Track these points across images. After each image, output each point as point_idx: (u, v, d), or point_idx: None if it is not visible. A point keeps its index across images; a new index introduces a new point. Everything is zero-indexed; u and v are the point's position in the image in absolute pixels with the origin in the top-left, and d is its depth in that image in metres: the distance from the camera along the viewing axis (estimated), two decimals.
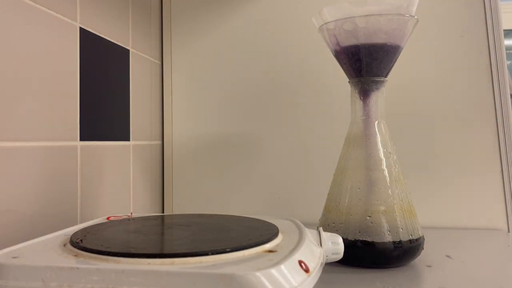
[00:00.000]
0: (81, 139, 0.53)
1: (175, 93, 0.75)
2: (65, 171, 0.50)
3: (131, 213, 0.62)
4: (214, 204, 0.72)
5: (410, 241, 0.44)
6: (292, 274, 0.28)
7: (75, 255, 0.32)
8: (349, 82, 0.48)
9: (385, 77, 0.47)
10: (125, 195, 0.63)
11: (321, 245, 0.37)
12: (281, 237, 0.37)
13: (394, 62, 0.47)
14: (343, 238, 0.40)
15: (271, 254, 0.32)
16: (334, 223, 0.46)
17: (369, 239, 0.43)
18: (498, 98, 0.64)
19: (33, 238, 0.44)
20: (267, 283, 0.27)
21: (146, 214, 0.48)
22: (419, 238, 0.45)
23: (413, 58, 0.66)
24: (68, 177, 0.50)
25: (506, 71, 0.64)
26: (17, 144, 0.43)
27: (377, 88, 0.47)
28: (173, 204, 0.74)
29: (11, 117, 0.42)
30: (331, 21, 0.46)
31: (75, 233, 0.38)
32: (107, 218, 0.46)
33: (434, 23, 0.66)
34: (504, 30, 0.65)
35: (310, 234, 0.38)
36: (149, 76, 0.72)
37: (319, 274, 0.33)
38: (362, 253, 0.44)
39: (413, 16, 0.45)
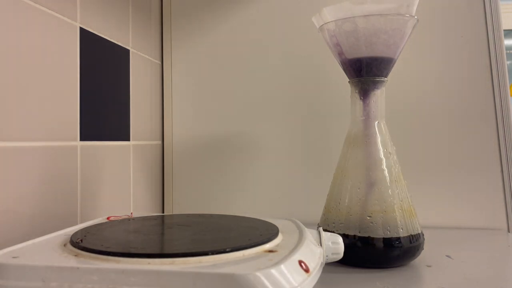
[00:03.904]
0: (81, 139, 0.53)
1: (175, 93, 0.75)
2: (65, 171, 0.50)
3: (131, 213, 0.62)
4: (214, 204, 0.72)
5: (410, 241, 0.44)
6: (292, 274, 0.28)
7: (75, 255, 0.32)
8: (349, 82, 0.48)
9: (385, 77, 0.47)
10: (125, 195, 0.63)
11: (321, 245, 0.37)
12: (281, 237, 0.37)
13: (394, 62, 0.47)
14: (343, 238, 0.40)
15: (271, 254, 0.32)
16: (334, 223, 0.46)
17: (369, 239, 0.43)
18: (498, 98, 0.64)
19: (33, 238, 0.44)
20: (267, 283, 0.27)
21: (146, 214, 0.48)
22: (419, 238, 0.45)
23: (413, 58, 0.66)
24: (68, 177, 0.50)
25: (506, 71, 0.64)
26: (17, 144, 0.43)
27: (377, 88, 0.47)
28: (173, 204, 0.74)
29: (11, 117, 0.42)
30: (331, 21, 0.46)
31: (75, 233, 0.38)
32: (107, 218, 0.46)
33: (434, 23, 0.66)
34: (504, 30, 0.65)
35: (310, 234, 0.38)
36: (149, 76, 0.72)
37: (319, 274, 0.33)
38: (362, 253, 0.44)
39: (413, 16, 0.45)
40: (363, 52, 0.45)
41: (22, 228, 0.43)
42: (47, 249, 0.34)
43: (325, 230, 0.46)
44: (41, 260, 0.31)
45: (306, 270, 0.30)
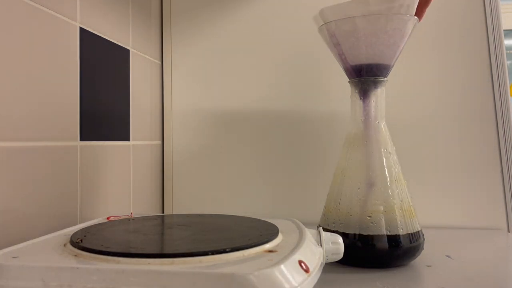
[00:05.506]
0: (81, 139, 0.53)
1: (175, 93, 0.75)
2: (65, 171, 0.50)
3: (131, 213, 0.62)
4: (214, 204, 0.72)
5: (410, 241, 0.44)
6: (292, 274, 0.28)
7: (75, 255, 0.32)
8: (349, 82, 0.48)
9: (385, 77, 0.47)
10: (125, 195, 0.63)
11: (321, 245, 0.37)
12: (281, 237, 0.37)
13: (394, 62, 0.47)
14: (343, 238, 0.40)
15: (271, 254, 0.32)
16: (334, 223, 0.46)
17: (369, 239, 0.43)
18: (498, 98, 0.64)
19: (33, 238, 0.44)
20: (267, 283, 0.27)
21: (146, 214, 0.48)
22: (419, 238, 0.45)
23: (413, 58, 0.66)
24: (68, 177, 0.50)
25: (506, 71, 0.64)
26: (18, 144, 0.43)
27: (377, 88, 0.47)
28: (173, 204, 0.74)
29: (11, 117, 0.42)
30: (331, 21, 0.46)
31: (75, 233, 0.38)
32: (107, 218, 0.46)
33: (434, 23, 0.66)
34: (504, 30, 0.65)
35: (310, 234, 0.38)
36: (149, 76, 0.72)
37: (319, 274, 0.33)
38: (362, 253, 0.44)
39: (413, 16, 0.45)
40: (363, 52, 0.45)
41: (22, 228, 0.43)
42: (47, 249, 0.34)
43: (325, 230, 0.46)
44: (41, 260, 0.31)
45: (306, 270, 0.30)
